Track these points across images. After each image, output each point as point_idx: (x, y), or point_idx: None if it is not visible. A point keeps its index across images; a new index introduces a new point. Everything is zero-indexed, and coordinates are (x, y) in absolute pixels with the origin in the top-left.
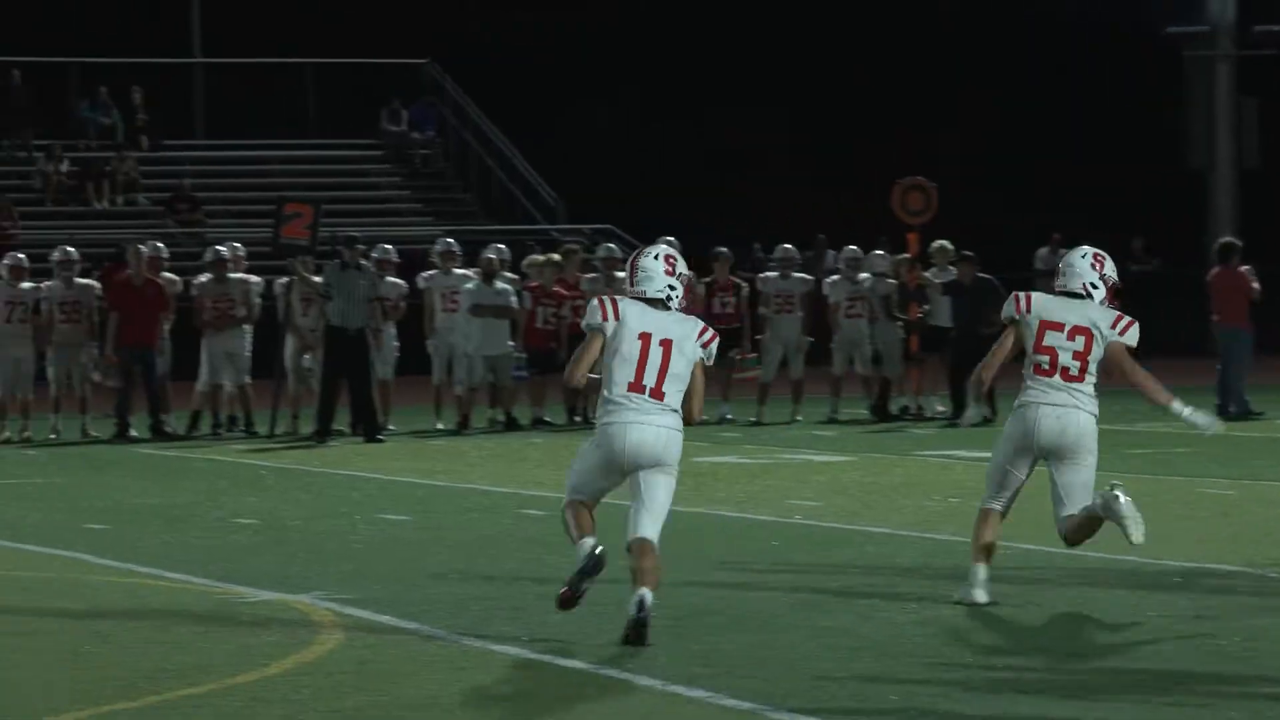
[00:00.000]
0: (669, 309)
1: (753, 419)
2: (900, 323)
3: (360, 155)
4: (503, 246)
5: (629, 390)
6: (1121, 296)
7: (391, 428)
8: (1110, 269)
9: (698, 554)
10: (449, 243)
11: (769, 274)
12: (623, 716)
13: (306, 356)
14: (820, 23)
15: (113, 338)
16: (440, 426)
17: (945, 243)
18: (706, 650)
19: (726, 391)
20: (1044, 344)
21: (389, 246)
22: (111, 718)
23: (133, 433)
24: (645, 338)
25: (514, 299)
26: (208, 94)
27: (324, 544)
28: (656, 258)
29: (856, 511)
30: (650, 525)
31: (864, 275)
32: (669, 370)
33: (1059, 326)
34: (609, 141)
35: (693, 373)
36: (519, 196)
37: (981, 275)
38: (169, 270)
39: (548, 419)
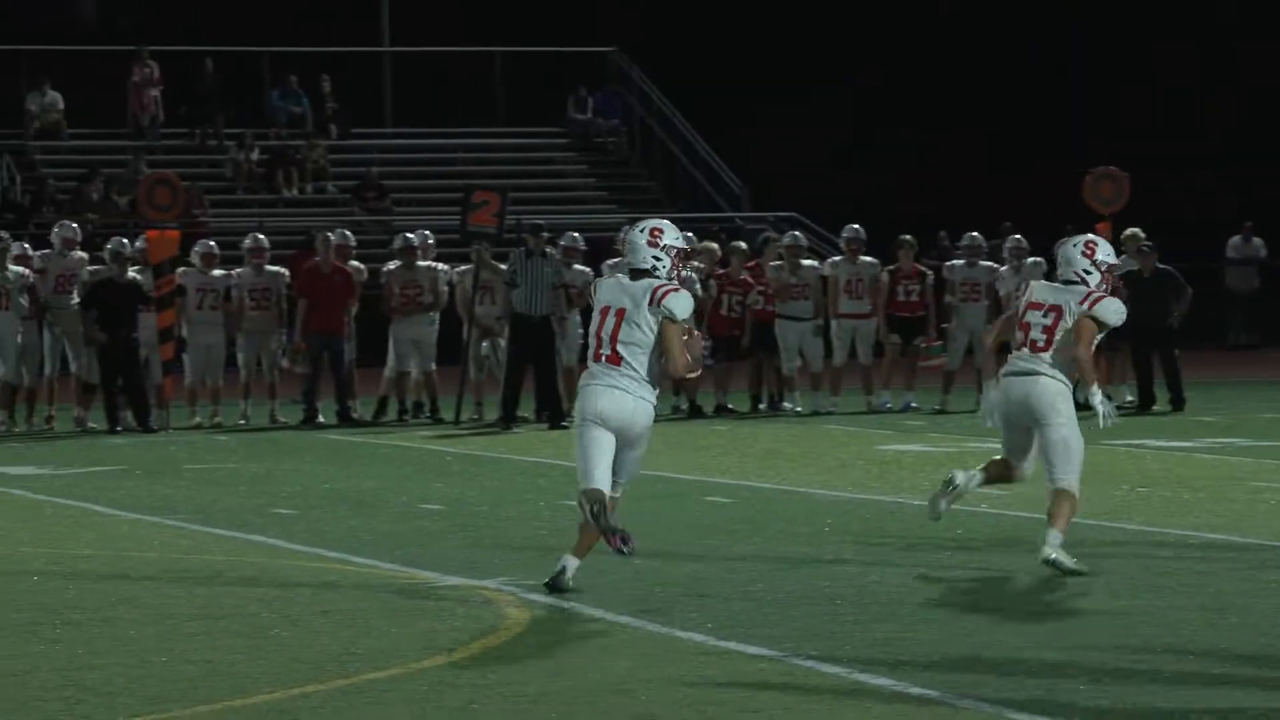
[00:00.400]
0: (656, 278)
1: (937, 407)
2: None
3: (546, 143)
4: (689, 234)
5: (592, 360)
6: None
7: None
8: (1103, 254)
9: (881, 540)
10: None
11: (955, 262)
12: (808, 704)
13: (485, 344)
14: (1000, 18)
15: (301, 324)
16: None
17: (1137, 230)
18: (890, 638)
19: (912, 380)
20: (1024, 321)
21: (576, 234)
22: (300, 700)
23: (320, 419)
24: (604, 310)
25: (699, 286)
26: (396, 83)
27: (509, 530)
28: (642, 231)
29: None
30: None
31: (1031, 261)
32: (618, 337)
33: (1040, 306)
34: (794, 128)
35: (661, 331)
36: (703, 183)
37: (1161, 266)
38: (356, 258)
39: (731, 406)
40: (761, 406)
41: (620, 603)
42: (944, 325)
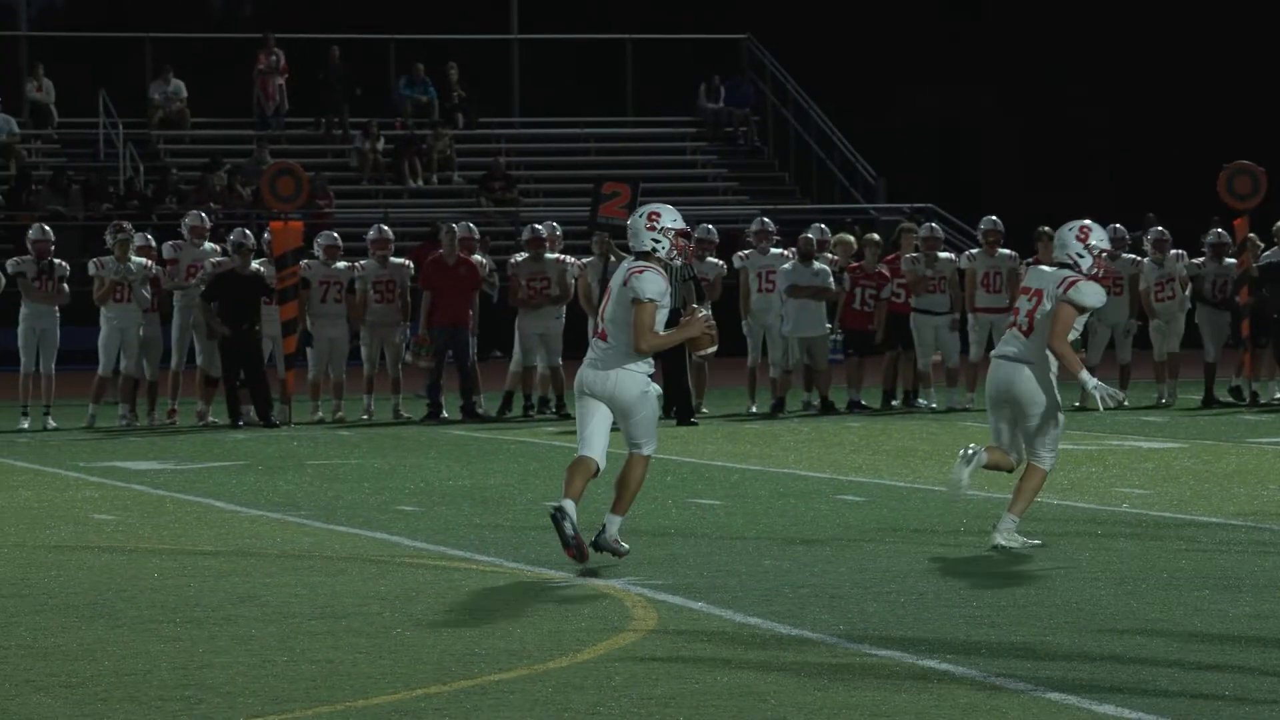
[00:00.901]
0: (658, 259)
1: (1076, 404)
2: (1218, 307)
3: (677, 132)
4: (822, 226)
5: (591, 335)
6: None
7: (705, 410)
8: (1097, 238)
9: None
10: (765, 221)
11: None
12: (941, 708)
13: None
14: (1141, 13)
15: (425, 318)
16: (754, 410)
17: None
18: (1029, 642)
19: None
20: (1015, 306)
21: (710, 227)
22: (423, 702)
23: (445, 414)
24: (606, 292)
25: (832, 280)
26: (524, 71)
27: (637, 529)
28: (640, 216)
29: (1187, 500)
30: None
31: (1175, 252)
32: (606, 315)
33: (1028, 290)
34: (932, 120)
35: (632, 310)
36: (837, 174)
37: None
38: (485, 249)
39: (864, 402)
40: (895, 403)
41: (749, 603)
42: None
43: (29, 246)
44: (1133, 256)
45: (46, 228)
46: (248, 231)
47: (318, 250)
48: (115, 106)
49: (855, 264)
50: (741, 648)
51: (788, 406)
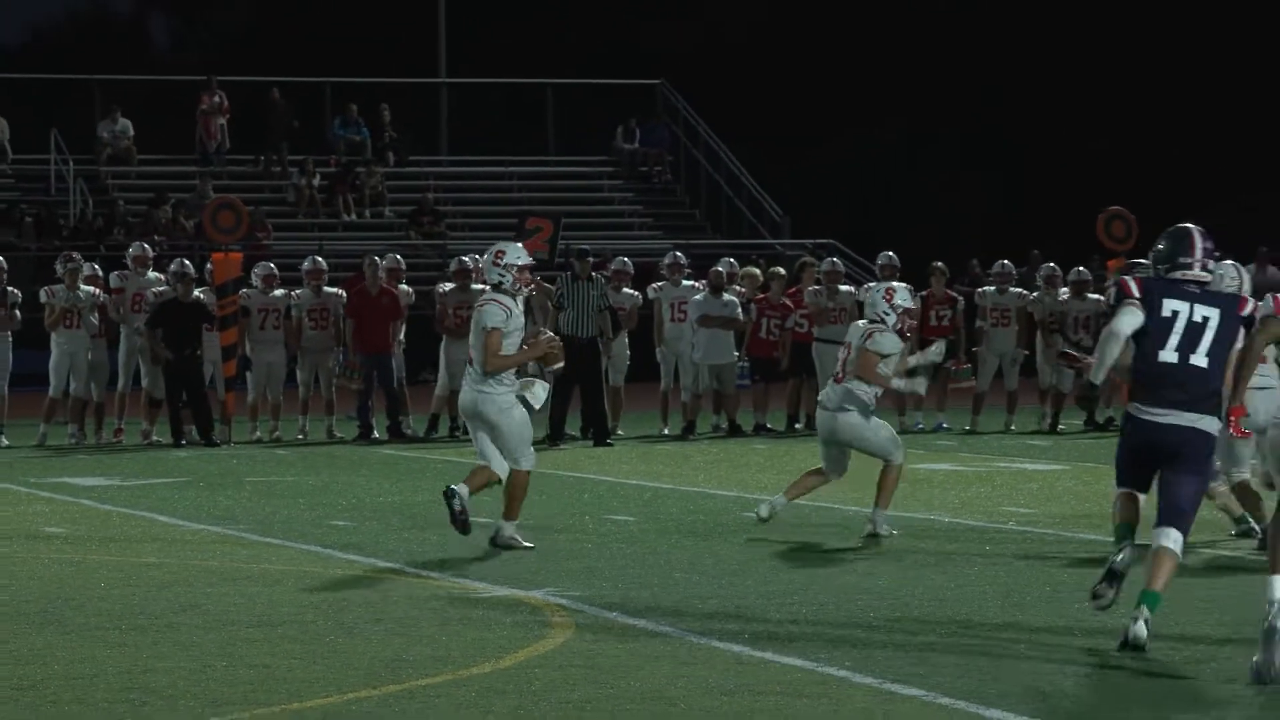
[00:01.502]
0: (506, 290)
1: (967, 428)
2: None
3: (596, 172)
4: (731, 260)
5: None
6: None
7: (620, 432)
8: (900, 299)
9: (912, 557)
10: (678, 255)
11: (986, 288)
12: (841, 713)
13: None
14: (1031, 46)
15: (351, 344)
16: (667, 431)
17: None
18: (923, 650)
19: (943, 401)
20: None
21: (625, 259)
22: (354, 705)
23: (375, 434)
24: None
25: (740, 310)
26: (452, 113)
27: (555, 543)
28: (489, 254)
29: (1069, 518)
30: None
31: (1063, 290)
32: (470, 341)
33: (847, 345)
34: (831, 158)
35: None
36: (745, 212)
37: None
38: (411, 280)
39: (770, 425)
40: (799, 426)
41: (661, 613)
42: (974, 349)
43: None
44: (1020, 290)
45: None
46: (187, 262)
47: (256, 280)
48: (66, 144)
49: (762, 295)
50: (654, 655)
51: (698, 429)
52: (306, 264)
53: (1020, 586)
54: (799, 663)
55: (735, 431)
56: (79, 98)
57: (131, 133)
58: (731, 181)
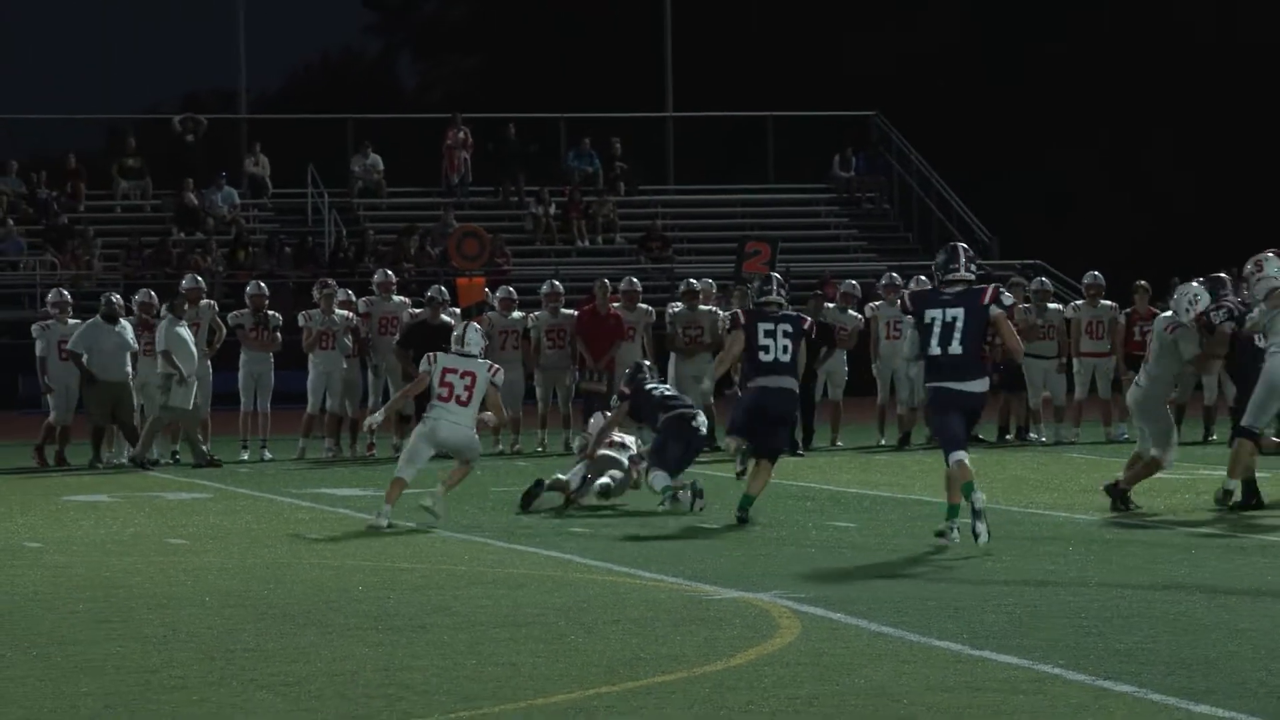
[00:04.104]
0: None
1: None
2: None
3: (814, 198)
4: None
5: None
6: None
7: (840, 444)
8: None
9: (1120, 557)
10: (894, 276)
11: None
12: (1055, 709)
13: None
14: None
15: (579, 361)
16: (884, 442)
17: None
18: (1132, 649)
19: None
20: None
21: (853, 282)
22: (595, 700)
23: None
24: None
25: None
26: (678, 144)
27: (780, 548)
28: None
29: (1272, 524)
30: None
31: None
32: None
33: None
34: (1036, 180)
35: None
36: (955, 234)
37: None
38: (645, 301)
39: (981, 436)
40: (1009, 437)
41: (883, 614)
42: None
43: (247, 301)
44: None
45: (262, 284)
46: (443, 288)
47: (495, 303)
48: (322, 179)
49: None
50: (876, 654)
51: (913, 440)
52: (545, 287)
53: (1226, 585)
54: (1014, 660)
55: None
56: (333, 136)
57: (381, 167)
58: (941, 205)
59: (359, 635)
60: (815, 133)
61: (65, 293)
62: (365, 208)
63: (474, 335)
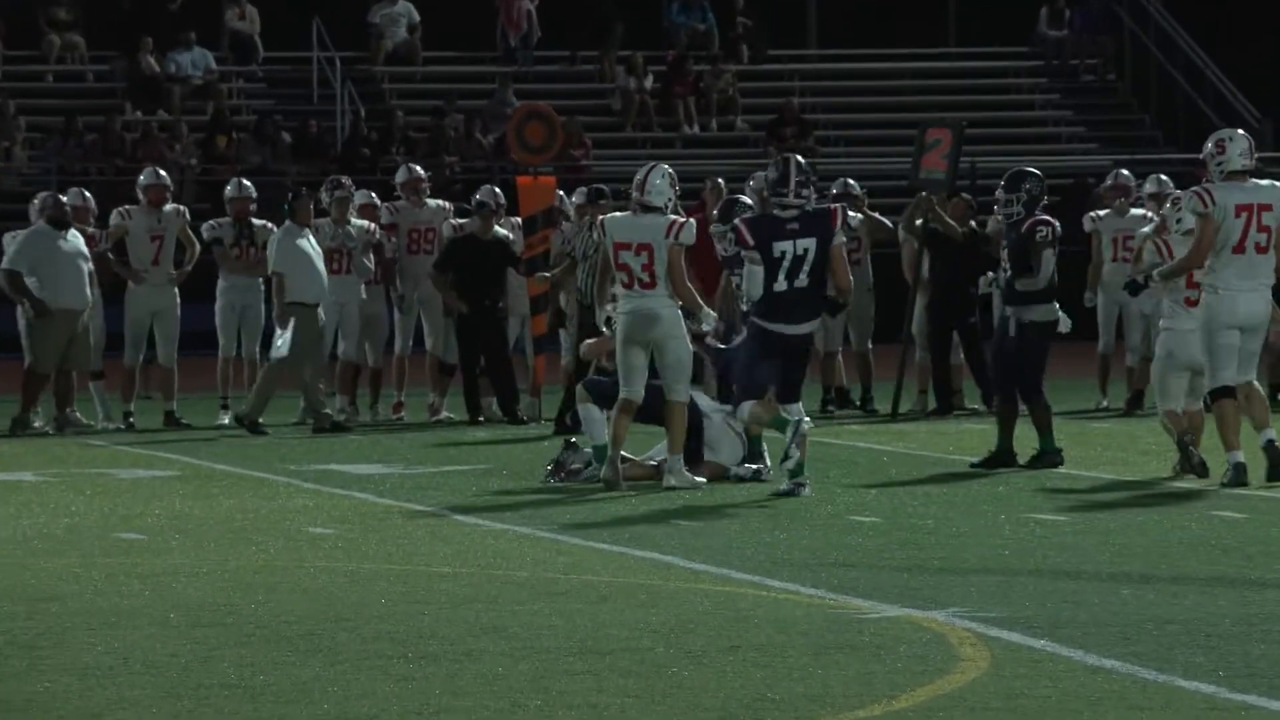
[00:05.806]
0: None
1: None
2: None
3: (1012, 66)
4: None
5: None
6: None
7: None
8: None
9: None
10: (1124, 175)
11: None
12: None
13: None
14: None
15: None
16: (1106, 405)
17: None
18: None
19: None
20: (619, 262)
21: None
22: None
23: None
24: None
25: None
26: None
27: (962, 548)
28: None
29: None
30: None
31: None
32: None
33: (628, 246)
34: None
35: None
36: (1210, 116)
37: None
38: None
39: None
40: None
41: (1104, 642)
42: None
43: (226, 207)
44: None
45: (246, 183)
46: (497, 190)
47: (571, 210)
48: (331, 38)
49: None
50: (1095, 696)
51: (1147, 402)
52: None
53: None
54: None
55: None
56: None
57: (416, 19)
58: (1192, 76)
59: (381, 666)
60: None
61: None
62: (391, 78)
63: (659, 181)
